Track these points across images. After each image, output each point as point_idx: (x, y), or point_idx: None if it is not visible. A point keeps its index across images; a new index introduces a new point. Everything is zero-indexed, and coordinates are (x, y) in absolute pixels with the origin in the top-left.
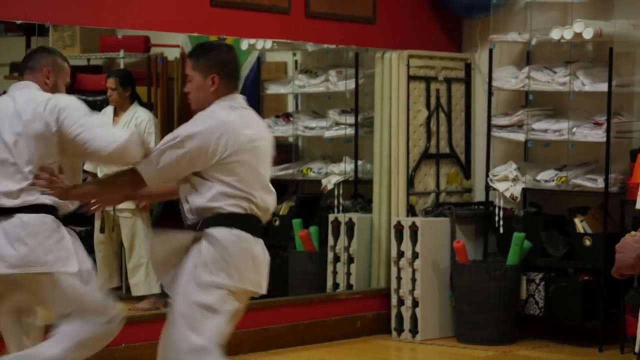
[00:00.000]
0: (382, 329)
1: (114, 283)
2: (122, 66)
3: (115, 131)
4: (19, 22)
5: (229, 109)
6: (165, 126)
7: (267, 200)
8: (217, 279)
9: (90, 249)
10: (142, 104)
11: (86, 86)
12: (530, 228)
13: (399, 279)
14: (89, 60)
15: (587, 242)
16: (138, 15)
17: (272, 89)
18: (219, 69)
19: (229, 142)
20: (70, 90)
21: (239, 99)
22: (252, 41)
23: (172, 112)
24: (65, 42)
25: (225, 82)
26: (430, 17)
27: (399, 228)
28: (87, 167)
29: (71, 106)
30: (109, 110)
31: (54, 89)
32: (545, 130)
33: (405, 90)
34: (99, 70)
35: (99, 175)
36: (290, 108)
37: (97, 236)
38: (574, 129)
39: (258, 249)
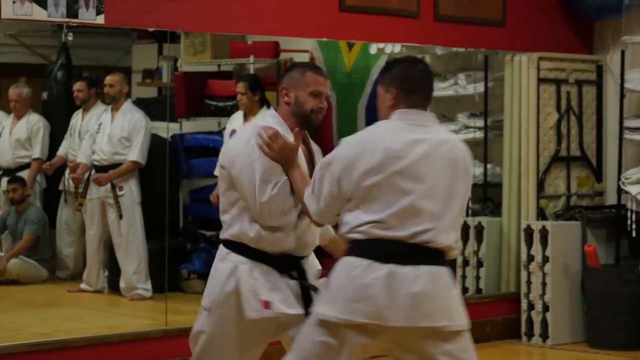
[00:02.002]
0: (512, 334)
1: None
2: (252, 71)
3: None
4: (151, 29)
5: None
6: None
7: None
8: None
9: None
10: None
11: (217, 92)
12: None
13: (529, 283)
14: (219, 66)
15: None
16: (267, 21)
17: None
18: (399, 83)
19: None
20: (201, 96)
21: (416, 114)
22: (381, 45)
23: None
24: (196, 49)
25: (404, 96)
26: (560, 19)
27: (529, 232)
28: None
29: None
30: (238, 114)
31: None
32: None
33: (536, 93)
34: (230, 76)
35: None
36: None
37: None
38: None
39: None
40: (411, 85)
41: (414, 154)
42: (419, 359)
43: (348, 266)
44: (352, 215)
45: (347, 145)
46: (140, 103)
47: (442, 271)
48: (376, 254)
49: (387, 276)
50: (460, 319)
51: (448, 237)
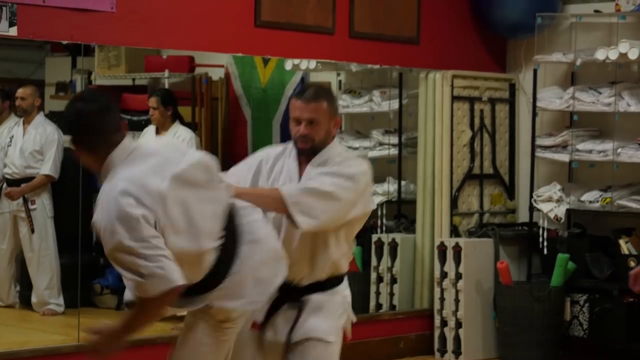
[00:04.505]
0: (425, 350)
1: None
2: (167, 86)
3: None
4: (65, 42)
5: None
6: (209, 145)
7: None
8: None
9: None
10: (184, 123)
11: (131, 106)
12: (575, 249)
13: (442, 299)
14: (134, 80)
15: (632, 264)
16: (183, 35)
17: None
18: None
19: None
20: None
21: None
22: (297, 61)
23: (217, 132)
24: (110, 62)
25: None
26: (474, 37)
27: (442, 249)
28: None
29: None
30: (151, 129)
31: None
32: (590, 151)
33: (449, 111)
34: (145, 90)
35: None
36: None
37: None
38: (619, 150)
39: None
40: None
41: None
42: None
43: None
44: None
45: None
46: (53, 116)
47: None
48: None
49: None
50: None
51: None
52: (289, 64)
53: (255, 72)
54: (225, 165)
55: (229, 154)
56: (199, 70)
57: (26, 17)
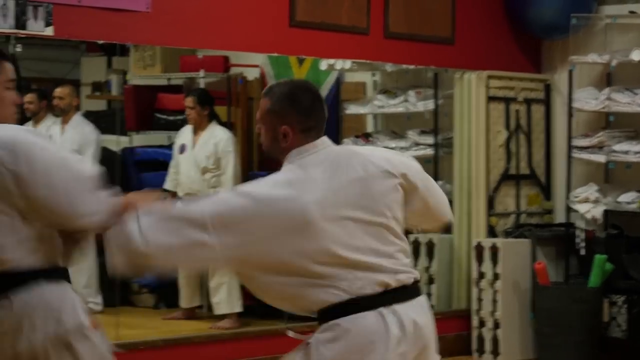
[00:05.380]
0: (463, 351)
1: (196, 302)
2: (202, 86)
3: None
4: (100, 42)
5: None
6: (245, 146)
7: None
8: None
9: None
10: (220, 123)
11: (167, 106)
12: (612, 250)
13: (479, 300)
14: (169, 80)
15: None
16: (218, 35)
17: (351, 109)
18: None
19: None
20: (151, 109)
21: None
22: (331, 61)
23: (252, 132)
24: (146, 62)
25: None
26: (509, 38)
27: (479, 249)
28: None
29: None
30: (187, 129)
31: None
32: (627, 152)
33: (485, 111)
34: (179, 90)
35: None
36: (370, 128)
37: None
38: None
39: None
40: None
41: None
42: None
43: None
44: None
45: None
46: (89, 116)
47: None
48: None
49: None
50: None
51: None
52: (323, 64)
53: (290, 72)
54: (262, 166)
55: (263, 155)
56: (234, 70)
57: (62, 17)
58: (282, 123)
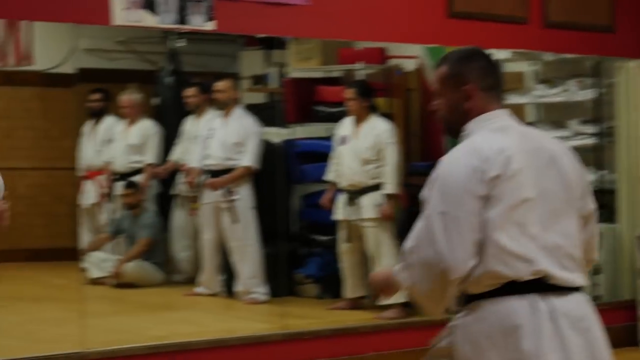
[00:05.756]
0: (628, 342)
1: (361, 292)
2: (361, 77)
3: None
4: (259, 36)
5: None
6: (404, 137)
7: None
8: None
9: (335, 259)
10: (380, 115)
11: (326, 98)
12: None
13: None
14: (328, 72)
15: None
16: (375, 27)
17: (511, 99)
18: None
19: None
20: (311, 102)
21: None
22: (490, 51)
23: (411, 124)
24: (304, 55)
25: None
26: None
27: None
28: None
29: None
30: (348, 121)
31: None
32: None
33: None
34: (338, 82)
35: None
36: (530, 118)
37: (343, 246)
38: None
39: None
40: None
41: None
42: None
43: None
44: None
45: None
46: (250, 109)
47: None
48: None
49: None
50: None
51: None
52: None
53: None
54: (423, 157)
55: (423, 146)
56: (391, 62)
57: (222, 11)
58: (464, 82)
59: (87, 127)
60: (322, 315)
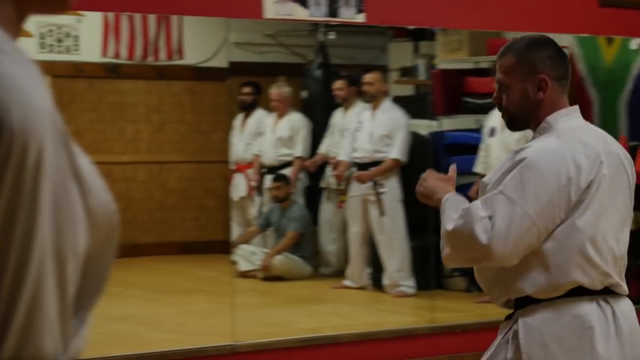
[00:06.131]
0: None
1: None
2: None
3: None
4: (409, 27)
5: None
6: None
7: None
8: None
9: None
10: None
11: (475, 89)
12: None
13: None
14: (476, 63)
15: None
16: (525, 16)
17: None
18: None
19: None
20: (459, 93)
21: None
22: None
23: None
24: (452, 46)
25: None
26: None
27: None
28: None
29: None
30: (497, 112)
31: None
32: None
33: None
34: (487, 74)
35: None
36: None
37: None
38: None
39: None
40: None
41: None
42: None
43: None
44: None
45: None
46: (398, 101)
47: None
48: None
49: None
50: None
51: None
52: (634, 44)
53: (598, 52)
54: None
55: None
56: None
57: (373, 3)
58: (536, 72)
59: (238, 120)
60: (470, 308)
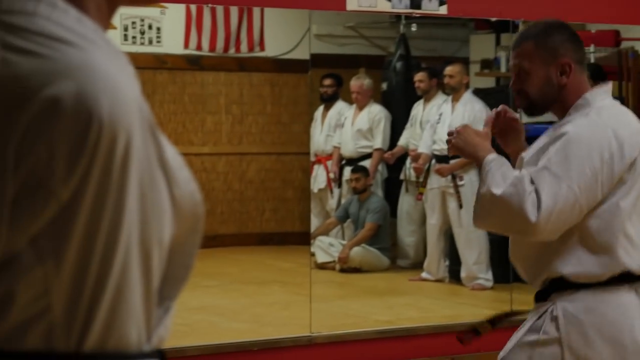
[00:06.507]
0: None
1: None
2: (592, 61)
3: None
4: (491, 19)
5: None
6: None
7: None
8: None
9: None
10: (615, 98)
11: None
12: None
13: None
14: None
15: None
16: (609, 9)
17: None
18: None
19: None
20: None
21: None
22: None
23: None
24: None
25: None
26: None
27: None
28: None
29: None
30: None
31: None
32: None
33: None
34: None
35: None
36: None
37: None
38: None
39: None
40: None
41: None
42: None
43: None
44: None
45: None
46: (478, 93)
47: None
48: None
49: None
50: None
51: None
52: None
53: None
54: None
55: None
56: (624, 45)
57: None
58: (558, 56)
59: (318, 112)
60: None
